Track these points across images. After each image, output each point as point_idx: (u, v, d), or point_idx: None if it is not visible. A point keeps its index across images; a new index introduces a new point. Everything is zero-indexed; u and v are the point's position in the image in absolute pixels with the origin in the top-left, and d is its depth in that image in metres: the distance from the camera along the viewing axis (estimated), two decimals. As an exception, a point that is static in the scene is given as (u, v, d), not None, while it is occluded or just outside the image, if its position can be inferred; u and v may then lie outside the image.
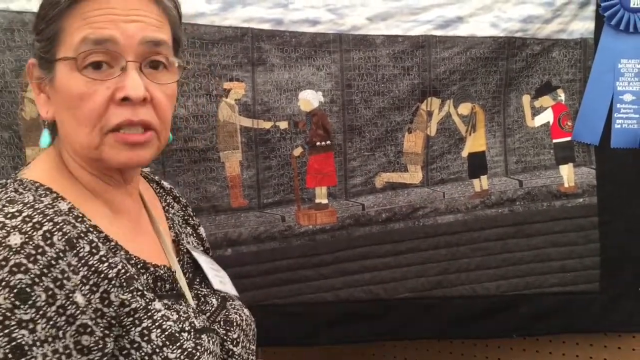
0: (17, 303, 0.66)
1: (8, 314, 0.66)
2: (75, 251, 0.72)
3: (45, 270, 0.68)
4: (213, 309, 0.93)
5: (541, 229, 1.48)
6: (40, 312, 0.67)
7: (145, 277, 0.82)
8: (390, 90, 1.44)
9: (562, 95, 1.48)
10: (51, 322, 0.68)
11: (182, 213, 1.08)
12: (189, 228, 1.07)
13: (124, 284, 0.76)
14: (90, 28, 0.77)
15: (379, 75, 1.43)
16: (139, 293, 0.78)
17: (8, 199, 0.75)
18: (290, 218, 1.45)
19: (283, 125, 1.43)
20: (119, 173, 0.86)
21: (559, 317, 1.49)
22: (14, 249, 0.68)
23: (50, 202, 0.76)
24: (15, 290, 0.66)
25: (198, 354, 0.79)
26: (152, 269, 0.84)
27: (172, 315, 0.80)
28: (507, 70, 1.46)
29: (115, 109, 0.78)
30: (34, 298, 0.67)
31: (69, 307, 0.69)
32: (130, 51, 0.79)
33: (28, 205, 0.73)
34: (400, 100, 1.45)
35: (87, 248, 0.74)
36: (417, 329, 1.49)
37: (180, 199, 1.10)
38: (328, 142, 1.44)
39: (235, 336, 0.92)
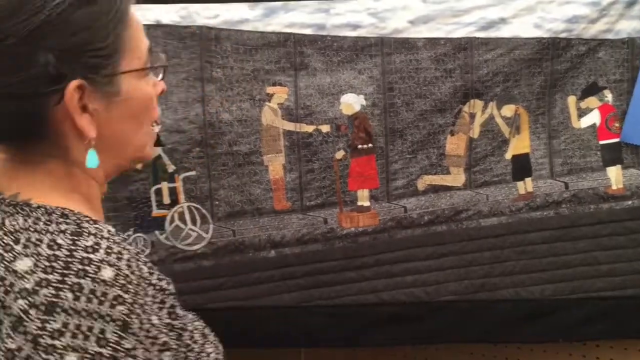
0: (122, 334, 0.66)
1: (117, 347, 0.66)
2: (140, 272, 0.71)
3: (135, 298, 0.68)
4: None
5: (588, 232, 1.45)
6: (137, 339, 0.68)
7: None
8: (432, 92, 1.44)
9: (609, 96, 1.45)
10: (144, 346, 0.69)
11: None
12: None
13: (173, 292, 0.75)
14: (144, 37, 0.80)
15: (421, 78, 1.43)
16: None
17: (72, 230, 0.71)
18: (332, 220, 1.46)
19: (325, 128, 1.44)
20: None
21: (607, 322, 1.45)
22: (109, 283, 0.67)
23: (102, 227, 0.73)
24: (119, 323, 0.67)
25: (218, 344, 0.81)
26: None
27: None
28: (552, 72, 1.44)
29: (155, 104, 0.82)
30: (132, 326, 0.67)
31: (151, 330, 0.70)
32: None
33: (98, 236, 0.71)
34: (442, 103, 1.44)
35: (145, 268, 0.72)
36: (460, 332, 1.48)
37: None
38: (370, 145, 1.45)
39: None
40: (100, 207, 0.83)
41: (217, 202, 1.45)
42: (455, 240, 1.47)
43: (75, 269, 0.67)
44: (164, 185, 1.44)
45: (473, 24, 1.42)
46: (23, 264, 0.67)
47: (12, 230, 0.71)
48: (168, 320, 0.72)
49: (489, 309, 1.46)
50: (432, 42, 1.43)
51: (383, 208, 1.47)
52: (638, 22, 1.43)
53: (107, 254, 0.69)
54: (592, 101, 1.46)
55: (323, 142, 1.45)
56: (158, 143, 1.39)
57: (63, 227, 0.71)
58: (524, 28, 1.41)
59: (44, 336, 0.65)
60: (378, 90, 1.44)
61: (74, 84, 0.72)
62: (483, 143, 1.47)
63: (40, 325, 0.65)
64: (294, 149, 1.44)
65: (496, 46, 1.42)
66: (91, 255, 0.68)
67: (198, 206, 1.45)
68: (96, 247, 0.69)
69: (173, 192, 1.45)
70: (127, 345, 0.67)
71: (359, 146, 1.45)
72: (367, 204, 1.46)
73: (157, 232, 1.44)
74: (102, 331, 0.66)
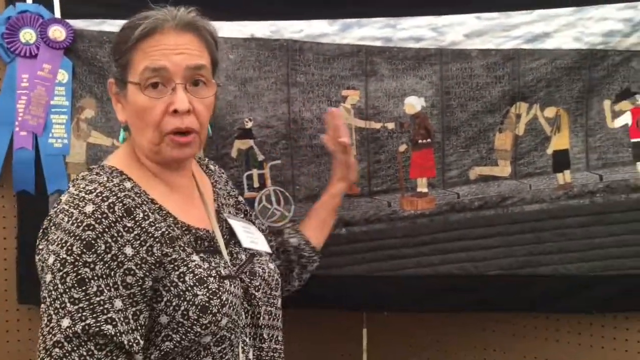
0: (84, 250, 0.92)
1: (77, 257, 0.92)
2: (132, 217, 0.97)
3: (106, 230, 0.94)
4: (242, 262, 1.16)
5: (619, 218, 1.59)
6: (99, 257, 0.93)
7: (188, 237, 1.06)
8: (483, 96, 1.61)
9: (640, 100, 1.60)
10: (106, 265, 0.93)
11: (227, 187, 1.34)
12: (231, 199, 1.32)
13: (167, 241, 1.00)
14: (149, 60, 1.03)
15: (474, 84, 1.61)
16: (181, 248, 1.02)
17: (90, 179, 1.02)
18: (395, 204, 1.65)
19: (390, 125, 1.63)
20: (173, 162, 1.11)
21: (636, 296, 1.60)
22: (87, 214, 0.95)
23: (119, 182, 1.02)
24: (84, 242, 0.93)
25: (220, 293, 1.02)
26: (194, 230, 1.08)
27: (204, 264, 1.04)
28: (590, 79, 1.59)
29: (169, 118, 1.04)
30: (96, 247, 0.93)
31: (119, 256, 0.94)
32: (178, 75, 1.04)
33: (102, 184, 0.99)
34: (492, 105, 1.61)
35: (141, 215, 0.99)
36: (506, 302, 1.66)
37: (223, 175, 1.36)
38: (429, 140, 1.64)
39: (257, 284, 1.15)
40: (162, 174, 1.12)
41: (298, 187, 1.65)
42: (502, 223, 1.63)
43: (74, 202, 0.97)
44: (254, 172, 1.65)
45: (520, 37, 1.59)
46: (64, 198, 1.00)
47: (78, 178, 1.04)
48: (144, 256, 0.96)
49: (531, 283, 1.63)
50: (484, 52, 1.60)
51: (439, 194, 1.64)
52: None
53: (97, 196, 0.98)
54: (625, 104, 1.60)
55: (389, 137, 1.63)
56: (249, 136, 1.69)
57: (94, 177, 1.03)
58: (565, 41, 1.57)
59: (45, 242, 0.97)
60: (436, 93, 1.62)
61: (109, 80, 1.12)
62: (527, 139, 1.63)
63: (48, 236, 0.97)
64: (363, 142, 1.64)
65: (540, 56, 1.58)
66: (85, 195, 0.98)
67: (282, 190, 1.66)
68: (92, 190, 0.99)
69: (262, 177, 1.65)
70: (87, 259, 0.92)
71: (420, 141, 1.64)
72: (425, 190, 1.65)
73: (248, 211, 1.68)
74: (72, 245, 0.93)
